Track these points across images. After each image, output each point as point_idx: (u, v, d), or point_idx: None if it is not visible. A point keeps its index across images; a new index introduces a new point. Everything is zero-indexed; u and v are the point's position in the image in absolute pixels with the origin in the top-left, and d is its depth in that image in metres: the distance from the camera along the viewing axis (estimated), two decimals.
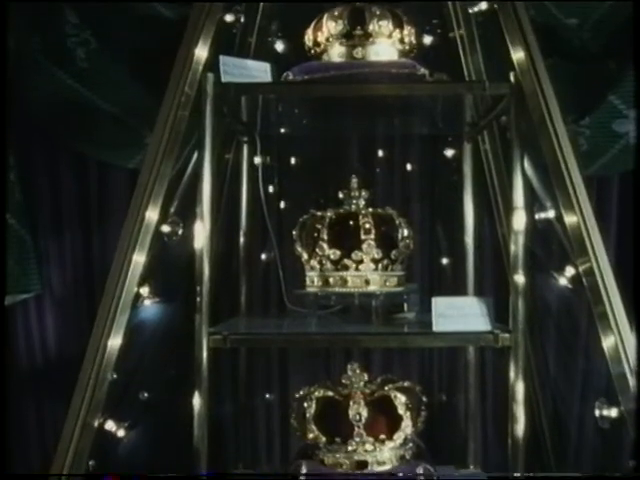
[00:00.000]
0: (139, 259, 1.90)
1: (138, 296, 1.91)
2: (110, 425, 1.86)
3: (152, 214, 1.93)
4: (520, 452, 1.81)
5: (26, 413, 2.44)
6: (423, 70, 2.00)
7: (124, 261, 1.90)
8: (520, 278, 1.86)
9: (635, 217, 2.27)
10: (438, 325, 1.85)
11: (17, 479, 1.77)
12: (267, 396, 2.53)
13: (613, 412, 1.80)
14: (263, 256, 2.45)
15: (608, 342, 1.80)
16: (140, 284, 1.90)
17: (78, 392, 1.84)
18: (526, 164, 1.91)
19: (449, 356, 2.50)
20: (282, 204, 2.48)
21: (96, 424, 1.83)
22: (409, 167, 2.53)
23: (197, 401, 1.82)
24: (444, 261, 2.50)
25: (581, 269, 1.86)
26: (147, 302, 1.95)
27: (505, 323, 1.87)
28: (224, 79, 1.92)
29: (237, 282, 2.35)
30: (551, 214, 2.02)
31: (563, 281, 1.98)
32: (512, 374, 1.84)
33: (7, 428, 1.81)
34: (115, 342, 1.86)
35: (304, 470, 1.90)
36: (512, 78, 1.89)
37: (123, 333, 1.87)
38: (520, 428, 1.81)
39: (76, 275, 2.48)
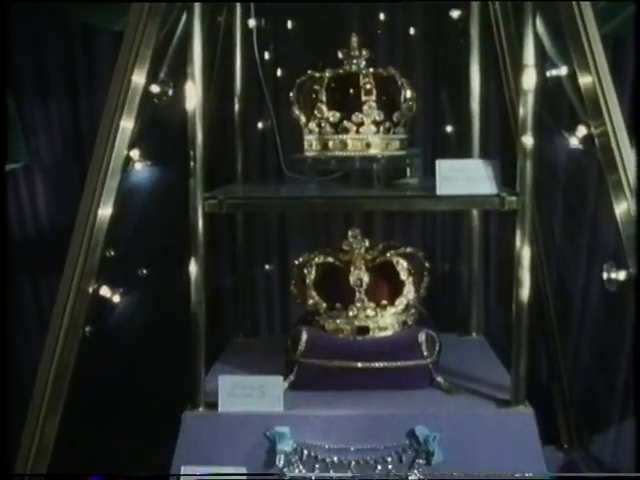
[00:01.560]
0: (128, 121, 1.79)
1: (128, 160, 1.81)
2: (105, 291, 1.82)
3: (139, 77, 1.80)
4: (524, 317, 1.76)
5: (22, 284, 2.41)
6: None
7: (112, 124, 1.79)
8: (528, 139, 1.75)
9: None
10: (442, 188, 1.76)
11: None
12: (267, 266, 2.49)
13: (621, 275, 1.74)
14: (260, 124, 2.35)
15: (620, 208, 1.72)
16: (130, 147, 1.80)
17: (70, 258, 1.78)
18: (537, 22, 1.77)
19: (453, 222, 2.44)
20: (278, 68, 2.34)
21: (90, 290, 1.79)
22: (412, 29, 2.38)
23: (194, 268, 1.75)
24: (448, 127, 2.40)
25: (594, 132, 1.76)
26: (138, 166, 1.85)
27: (511, 188, 1.78)
28: None
29: (233, 150, 2.25)
30: (562, 73, 1.90)
31: (573, 144, 1.88)
32: (518, 238, 1.76)
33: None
34: (106, 207, 1.78)
35: (304, 336, 1.86)
36: None
37: (114, 198, 1.78)
38: (525, 293, 1.75)
39: (65, 143, 2.38)
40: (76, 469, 1.75)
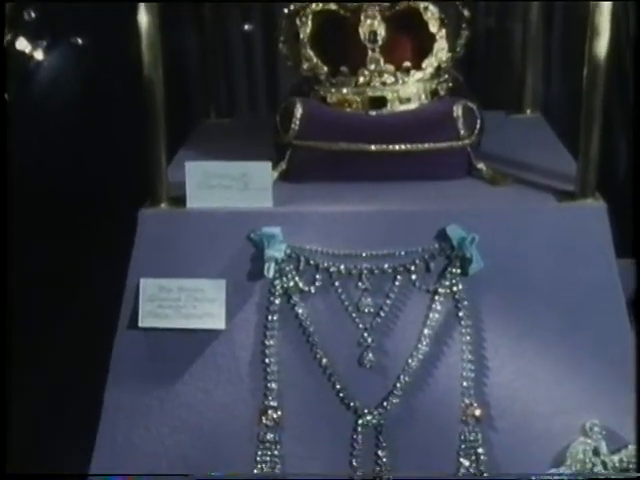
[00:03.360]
0: None
1: None
2: (23, 46, 1.72)
3: None
4: (599, 81, 1.62)
5: None
6: None
7: None
8: None
9: None
10: None
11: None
12: (246, 26, 2.43)
13: None
14: None
15: None
16: None
17: None
18: None
19: None
20: None
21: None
22: None
23: (143, 16, 1.61)
24: None
25: None
26: None
27: None
28: None
29: None
30: None
31: None
32: None
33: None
34: None
35: (299, 110, 1.76)
36: None
37: None
38: (602, 48, 1.60)
39: None
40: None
